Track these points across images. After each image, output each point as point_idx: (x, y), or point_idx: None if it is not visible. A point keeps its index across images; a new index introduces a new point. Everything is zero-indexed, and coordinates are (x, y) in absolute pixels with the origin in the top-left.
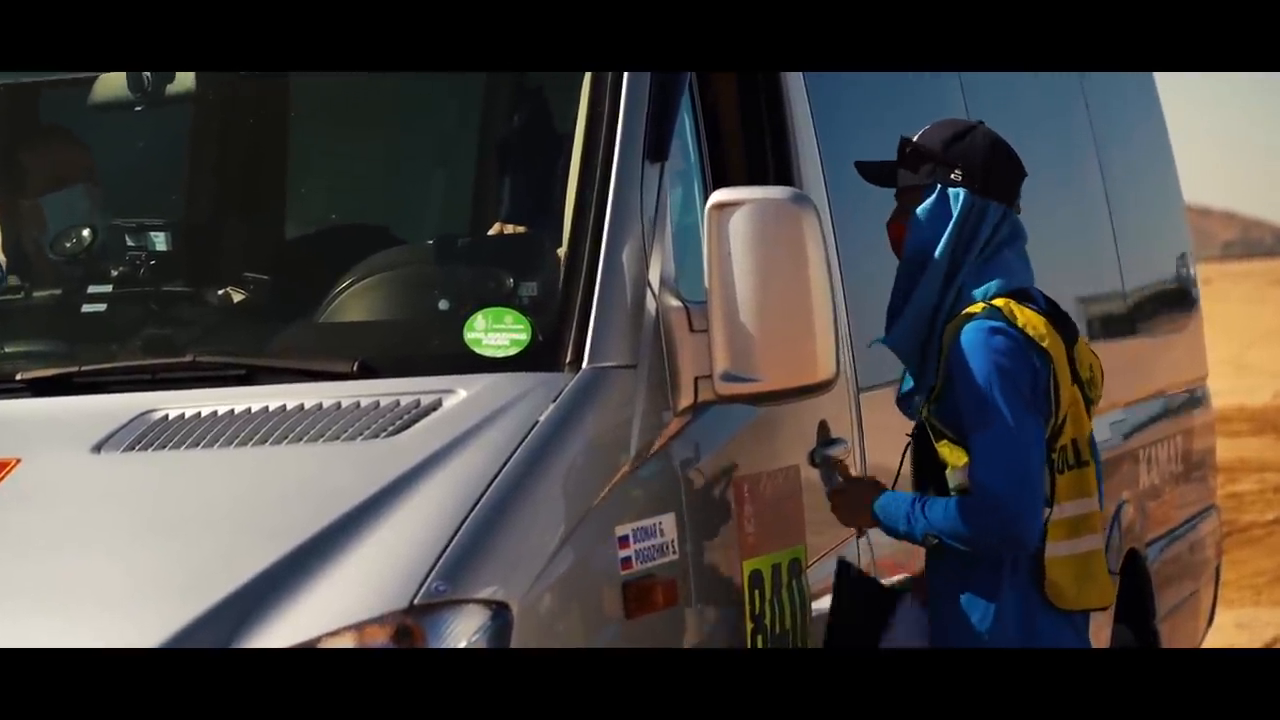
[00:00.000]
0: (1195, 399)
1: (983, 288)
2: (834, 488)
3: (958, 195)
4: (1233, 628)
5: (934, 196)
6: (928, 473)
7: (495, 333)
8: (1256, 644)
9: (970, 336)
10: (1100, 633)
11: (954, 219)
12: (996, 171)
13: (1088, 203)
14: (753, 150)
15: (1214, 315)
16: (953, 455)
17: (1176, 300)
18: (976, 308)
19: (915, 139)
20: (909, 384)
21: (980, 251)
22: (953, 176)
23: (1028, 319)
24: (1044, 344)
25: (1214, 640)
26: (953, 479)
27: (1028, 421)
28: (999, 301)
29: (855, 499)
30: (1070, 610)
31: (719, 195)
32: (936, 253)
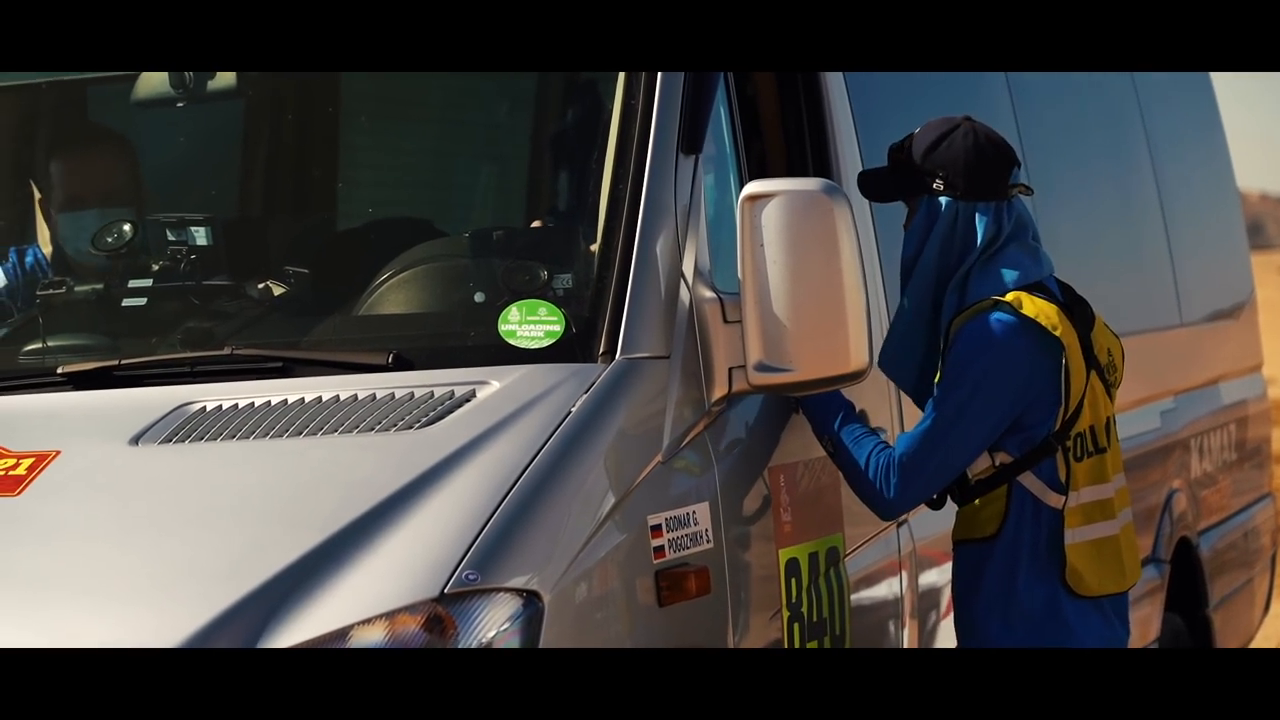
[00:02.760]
0: (1250, 387)
1: (989, 287)
2: None
3: (940, 204)
4: None
5: (921, 208)
6: None
7: (529, 324)
8: None
9: (974, 324)
10: (1150, 622)
11: (937, 228)
12: (979, 171)
13: (1138, 192)
14: (791, 142)
15: None
16: None
17: (1230, 288)
18: (986, 303)
19: (907, 142)
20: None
21: (984, 252)
22: (934, 186)
23: (1039, 309)
24: (1056, 333)
25: (1273, 628)
26: (974, 467)
27: (972, 424)
28: (1009, 296)
29: None
30: (1089, 596)
31: (752, 187)
32: (922, 262)
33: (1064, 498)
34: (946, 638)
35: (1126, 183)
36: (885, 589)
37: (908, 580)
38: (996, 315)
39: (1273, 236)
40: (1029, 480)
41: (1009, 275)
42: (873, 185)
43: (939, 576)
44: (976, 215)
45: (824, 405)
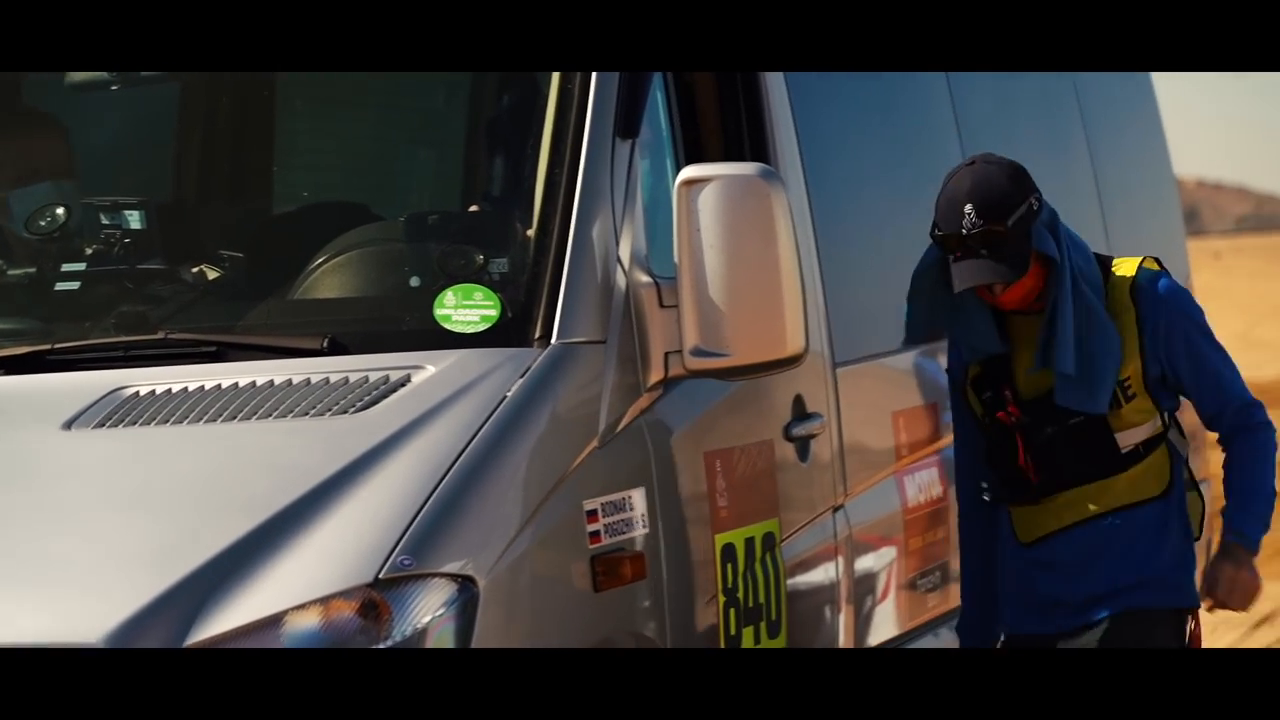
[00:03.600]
0: None
1: (1089, 253)
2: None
3: (1048, 213)
4: None
5: (1040, 228)
6: (1092, 449)
7: (465, 309)
8: (1254, 618)
9: (1165, 284)
10: None
11: (1057, 229)
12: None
13: (1075, 177)
14: (729, 127)
15: (1224, 290)
16: (1139, 414)
17: None
18: (1129, 267)
19: (988, 216)
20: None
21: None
22: (1034, 207)
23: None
24: None
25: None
26: (1136, 436)
27: None
28: (1149, 262)
29: (1237, 574)
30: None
31: (688, 171)
32: (1071, 264)
33: (1188, 444)
34: (882, 623)
35: (1062, 168)
36: (821, 574)
37: (844, 565)
38: (1165, 274)
39: (1208, 222)
40: (1174, 434)
41: (1087, 245)
42: (1009, 267)
43: (874, 561)
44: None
45: (1256, 525)
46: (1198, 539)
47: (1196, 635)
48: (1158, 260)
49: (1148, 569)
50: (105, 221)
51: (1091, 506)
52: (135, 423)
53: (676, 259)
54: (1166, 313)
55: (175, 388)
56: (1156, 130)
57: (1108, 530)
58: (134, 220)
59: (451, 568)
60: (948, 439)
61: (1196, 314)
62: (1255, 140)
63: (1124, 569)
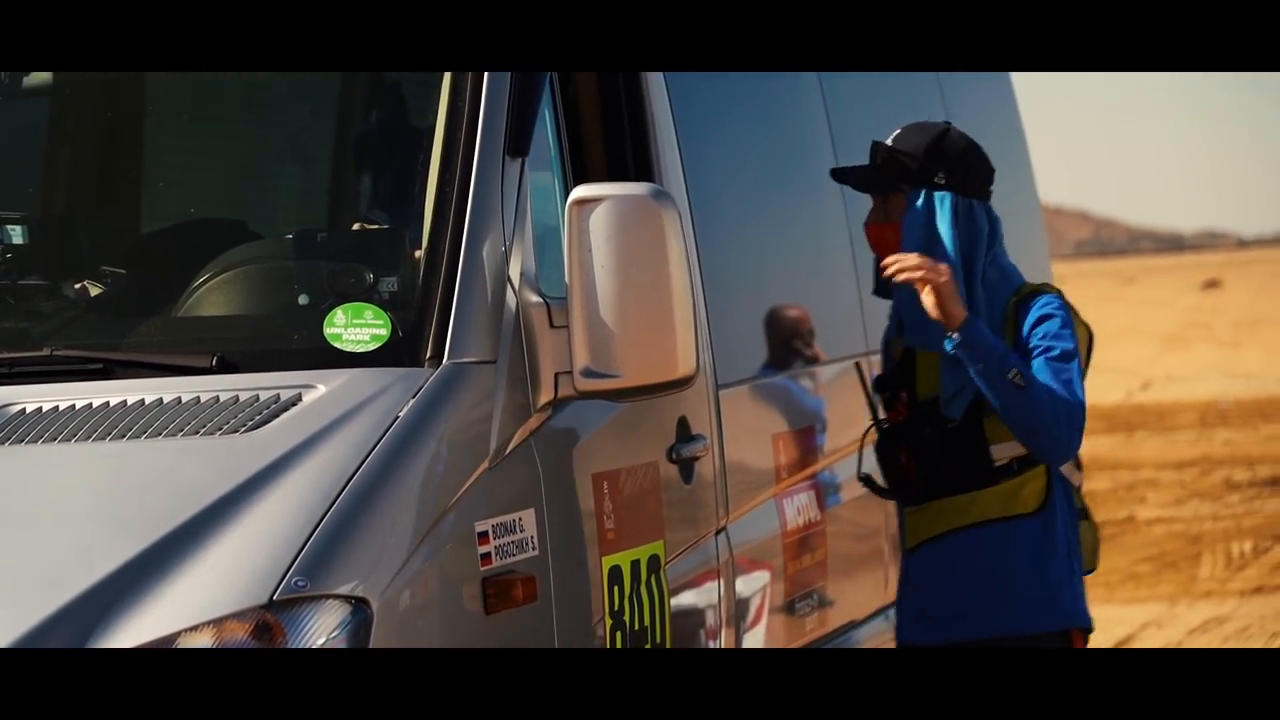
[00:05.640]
0: None
1: (1013, 284)
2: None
3: (944, 198)
4: None
5: (920, 200)
6: (965, 456)
7: (355, 328)
8: (1109, 642)
9: (1049, 300)
10: None
11: (947, 221)
12: (974, 170)
13: None
14: (613, 147)
15: None
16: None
17: None
18: (1035, 286)
19: (891, 144)
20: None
21: (989, 249)
22: (936, 180)
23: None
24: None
25: None
26: (1010, 450)
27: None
28: (1046, 286)
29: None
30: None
31: (579, 191)
32: (947, 252)
33: (1080, 475)
34: (757, 644)
35: None
36: (703, 597)
37: (724, 588)
38: (1060, 300)
39: (1049, 245)
40: None
41: (1017, 277)
42: (860, 179)
43: (755, 584)
44: (974, 210)
45: (987, 338)
46: (1088, 571)
47: None
48: (1060, 292)
49: (1015, 587)
50: None
51: (958, 518)
52: (23, 440)
53: (567, 279)
54: (1032, 320)
55: (63, 405)
56: (1021, 149)
57: (969, 544)
58: (16, 235)
59: (345, 589)
60: (824, 462)
61: (1066, 327)
62: (1095, 163)
63: (984, 587)
